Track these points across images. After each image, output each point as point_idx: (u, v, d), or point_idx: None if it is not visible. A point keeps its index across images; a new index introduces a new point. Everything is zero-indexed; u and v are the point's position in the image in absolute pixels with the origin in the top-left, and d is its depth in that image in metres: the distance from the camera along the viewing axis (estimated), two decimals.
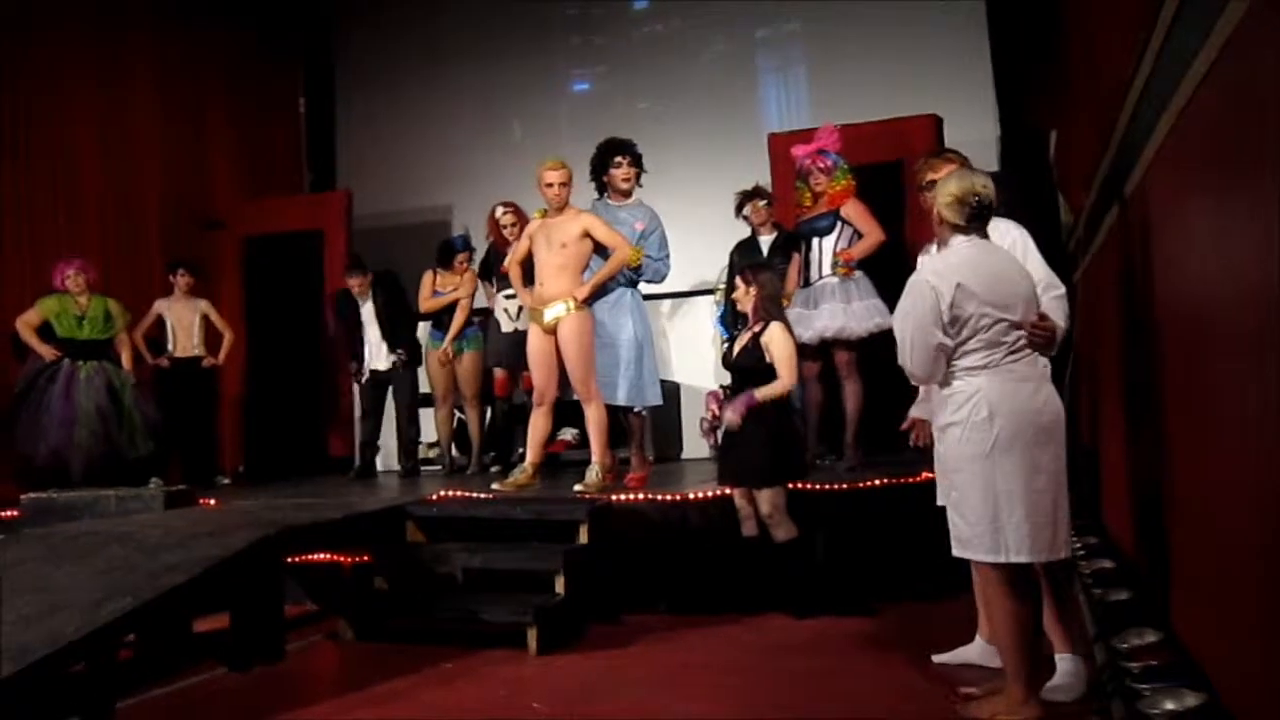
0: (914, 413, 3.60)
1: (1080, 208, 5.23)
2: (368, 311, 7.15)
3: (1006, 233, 3.26)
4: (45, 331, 6.50)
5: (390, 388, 7.22)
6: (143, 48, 8.15)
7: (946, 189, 2.97)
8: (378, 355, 7.15)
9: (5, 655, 2.86)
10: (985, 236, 2.99)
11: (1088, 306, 5.20)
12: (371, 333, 7.16)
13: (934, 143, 6.57)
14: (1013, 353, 2.88)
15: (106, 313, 6.66)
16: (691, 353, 8.08)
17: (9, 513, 5.56)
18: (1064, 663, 3.18)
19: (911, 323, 2.94)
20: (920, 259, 3.53)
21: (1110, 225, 3.92)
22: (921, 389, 3.55)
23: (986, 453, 2.85)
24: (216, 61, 8.85)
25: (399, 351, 7.07)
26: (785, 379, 4.53)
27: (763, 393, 4.52)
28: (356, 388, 7.45)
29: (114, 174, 7.78)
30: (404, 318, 7.17)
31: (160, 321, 7.30)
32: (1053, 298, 3.12)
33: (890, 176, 6.62)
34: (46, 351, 6.43)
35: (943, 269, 2.94)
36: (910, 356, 2.97)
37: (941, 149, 3.78)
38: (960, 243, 2.96)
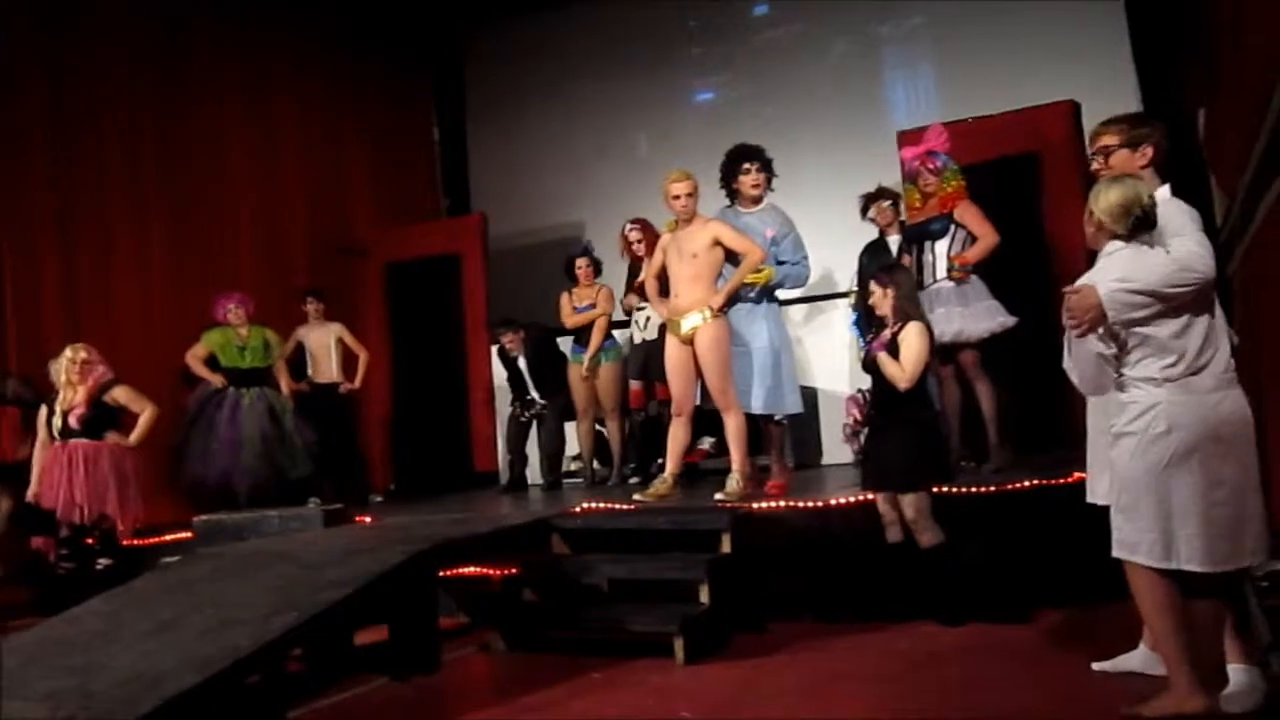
0: None
1: (1234, 189, 4.95)
2: (523, 363, 7.30)
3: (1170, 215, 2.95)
4: (210, 363, 6.92)
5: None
6: (285, 88, 8.58)
7: (1109, 197, 2.87)
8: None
9: (189, 666, 3.07)
10: (1149, 244, 2.86)
11: (1247, 296, 4.91)
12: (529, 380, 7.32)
13: (1071, 131, 6.32)
14: (1191, 361, 2.77)
15: (265, 342, 7.03)
16: (828, 358, 7.97)
17: (183, 534, 5.91)
18: (1238, 674, 3.01)
19: (1070, 332, 2.88)
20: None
21: (1270, 206, 3.71)
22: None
23: (1163, 466, 2.78)
24: (353, 95, 9.24)
25: (543, 403, 7.21)
26: (906, 372, 4.42)
27: (885, 357, 4.47)
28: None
29: (263, 210, 8.22)
30: (555, 370, 7.25)
31: (300, 348, 7.65)
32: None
33: (1025, 170, 6.40)
34: (217, 380, 6.83)
35: (1097, 278, 2.85)
36: (1072, 367, 2.92)
37: (1116, 117, 3.28)
38: (1116, 247, 2.87)
